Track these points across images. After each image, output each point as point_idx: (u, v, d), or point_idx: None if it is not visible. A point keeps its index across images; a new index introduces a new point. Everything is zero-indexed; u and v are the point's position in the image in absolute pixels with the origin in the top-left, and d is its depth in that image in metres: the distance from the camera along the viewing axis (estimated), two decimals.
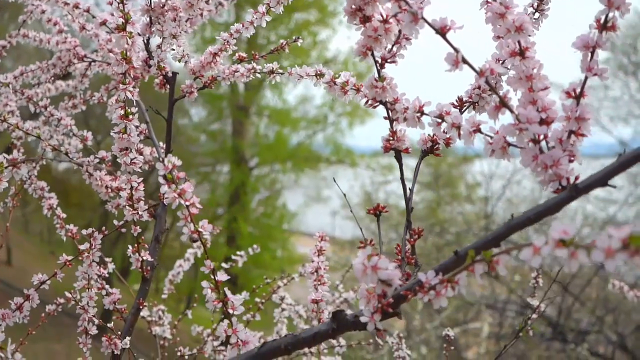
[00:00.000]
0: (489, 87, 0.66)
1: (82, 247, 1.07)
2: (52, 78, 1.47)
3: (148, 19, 1.14)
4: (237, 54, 1.21)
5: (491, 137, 0.70)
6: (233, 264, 1.71)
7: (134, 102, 1.00)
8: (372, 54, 0.77)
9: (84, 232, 1.08)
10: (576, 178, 0.64)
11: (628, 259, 0.44)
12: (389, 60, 0.78)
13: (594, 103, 9.01)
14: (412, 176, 0.86)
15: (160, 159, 0.74)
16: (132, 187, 1.04)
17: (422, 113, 0.78)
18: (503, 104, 0.67)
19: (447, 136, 0.80)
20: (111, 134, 0.99)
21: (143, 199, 1.06)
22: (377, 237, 0.83)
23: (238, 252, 1.76)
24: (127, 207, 1.05)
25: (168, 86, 1.22)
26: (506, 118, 0.72)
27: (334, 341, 1.53)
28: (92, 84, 1.56)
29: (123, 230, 1.13)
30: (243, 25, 1.16)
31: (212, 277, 0.79)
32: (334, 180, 0.92)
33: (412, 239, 0.78)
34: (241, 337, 0.78)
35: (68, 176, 10.57)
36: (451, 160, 10.12)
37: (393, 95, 0.78)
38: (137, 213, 1.05)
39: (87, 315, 1.10)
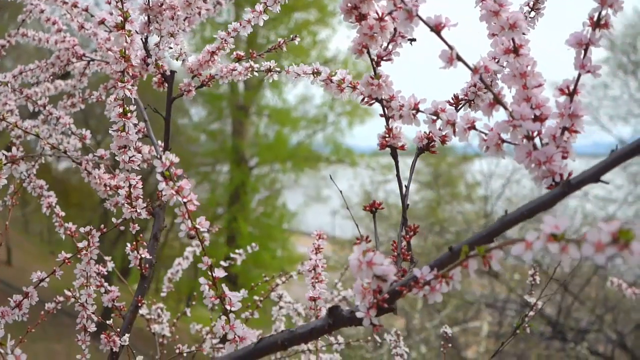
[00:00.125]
0: (483, 84, 0.66)
1: (80, 244, 1.08)
2: (51, 77, 1.48)
3: (146, 17, 1.15)
4: (234, 53, 1.21)
5: (486, 134, 0.71)
6: (232, 262, 1.72)
7: (133, 100, 1.01)
8: (368, 52, 0.77)
9: (82, 229, 1.09)
10: (569, 174, 0.65)
11: (617, 252, 0.45)
12: (384, 58, 0.78)
13: (594, 102, 9.02)
14: (411, 175, 0.87)
15: (158, 157, 0.75)
16: (130, 185, 1.05)
17: (418, 110, 0.79)
18: (497, 100, 0.68)
19: (443, 133, 0.81)
20: (110, 131, 1.00)
21: (142, 196, 1.07)
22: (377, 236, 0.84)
23: (237, 250, 1.77)
24: (125, 204, 1.06)
25: (166, 85, 1.22)
26: (501, 115, 0.72)
27: (332, 338, 1.53)
28: (92, 84, 1.56)
29: (122, 228, 1.14)
30: (240, 24, 1.17)
31: (210, 273, 0.80)
32: (330, 177, 0.92)
33: (407, 236, 0.79)
34: (238, 333, 0.79)
35: (68, 176, 10.58)
36: (451, 160, 10.13)
37: (389, 92, 0.79)
38: (136, 211, 1.06)
39: (86, 313, 1.11)
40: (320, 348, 1.48)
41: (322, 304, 1.14)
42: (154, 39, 1.19)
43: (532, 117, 0.66)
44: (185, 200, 0.75)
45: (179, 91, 1.23)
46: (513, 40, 0.69)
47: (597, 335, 6.28)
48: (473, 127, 0.72)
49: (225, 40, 1.19)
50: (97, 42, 1.35)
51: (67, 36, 1.43)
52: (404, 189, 0.82)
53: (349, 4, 0.73)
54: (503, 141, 0.69)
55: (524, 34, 0.70)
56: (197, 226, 0.77)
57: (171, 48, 1.19)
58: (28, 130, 1.26)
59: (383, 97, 0.80)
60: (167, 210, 1.24)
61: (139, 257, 1.13)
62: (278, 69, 1.18)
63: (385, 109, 0.81)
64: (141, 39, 1.16)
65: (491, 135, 0.69)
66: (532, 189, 8.15)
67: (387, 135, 0.81)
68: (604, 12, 0.66)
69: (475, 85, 0.85)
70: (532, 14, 0.92)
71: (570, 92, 0.67)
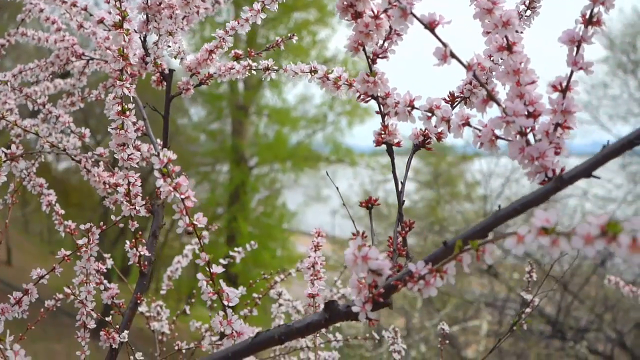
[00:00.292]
0: (477, 81, 0.67)
1: (80, 241, 1.08)
2: (51, 76, 1.49)
3: (145, 16, 1.16)
4: (233, 51, 1.22)
5: (480, 130, 0.71)
6: (231, 259, 1.72)
7: (131, 98, 1.02)
8: (364, 50, 0.78)
9: (82, 227, 1.10)
10: (562, 170, 0.66)
11: (606, 245, 0.46)
12: (380, 56, 0.79)
13: (593, 101, 9.03)
14: (407, 172, 0.87)
15: (156, 154, 0.75)
16: (129, 183, 1.06)
17: (413, 107, 0.79)
18: (490, 97, 0.69)
19: (438, 130, 0.81)
20: (109, 129, 1.00)
21: (141, 195, 1.08)
22: (376, 235, 0.85)
23: (236, 249, 1.78)
24: (124, 202, 1.07)
25: (165, 83, 1.23)
26: (496, 112, 0.73)
27: (330, 335, 1.54)
28: (91, 83, 1.57)
29: (121, 225, 1.15)
30: (238, 23, 1.18)
31: (208, 269, 0.81)
32: (327, 174, 0.93)
33: (403, 231, 0.80)
34: (236, 328, 0.80)
35: (68, 176, 10.59)
36: (450, 159, 10.14)
37: (384, 89, 0.79)
38: (135, 208, 1.06)
39: (85, 310, 1.11)
40: (318, 345, 1.49)
41: (321, 301, 1.15)
42: (152, 38, 1.20)
43: (525, 113, 0.67)
44: (183, 196, 0.76)
45: (178, 89, 1.24)
46: (506, 37, 0.69)
47: (596, 334, 6.29)
48: (467, 124, 0.73)
49: (223, 38, 1.20)
50: (96, 41, 1.36)
51: (66, 35, 1.44)
52: (399, 185, 0.83)
53: (345, 2, 0.74)
54: (497, 137, 0.70)
55: (517, 31, 0.71)
56: (195, 222, 0.78)
57: (170, 47, 1.19)
58: (28, 129, 1.27)
59: (379, 95, 0.81)
60: (166, 210, 1.25)
61: (138, 254, 1.14)
62: (276, 68, 1.19)
63: (381, 106, 0.81)
64: (140, 37, 1.17)
65: (485, 132, 0.70)
66: (532, 188, 8.15)
67: (383, 132, 0.82)
68: (596, 10, 0.66)
69: (470, 83, 0.86)
70: (528, 12, 0.93)
71: (562, 88, 0.68)
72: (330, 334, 1.56)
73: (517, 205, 0.64)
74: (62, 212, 1.23)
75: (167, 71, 1.23)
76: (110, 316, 1.16)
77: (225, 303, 0.80)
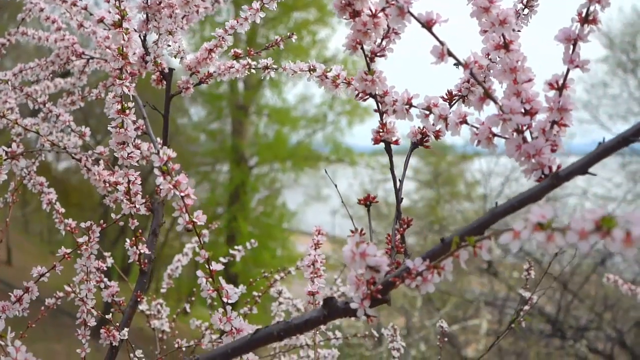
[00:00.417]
0: (474, 79, 0.68)
1: (80, 240, 1.09)
2: (51, 75, 1.49)
3: (144, 16, 1.16)
4: (232, 50, 1.23)
5: (477, 128, 0.72)
6: (231, 258, 1.73)
7: (131, 97, 1.03)
8: (362, 48, 0.78)
9: (82, 225, 1.10)
10: (558, 167, 0.66)
11: (600, 239, 0.46)
12: (378, 54, 0.80)
13: (593, 101, 9.03)
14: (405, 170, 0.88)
15: (156, 152, 0.76)
16: (129, 181, 1.06)
17: (411, 105, 0.80)
18: (487, 95, 0.69)
19: (436, 128, 0.82)
20: (109, 128, 1.01)
21: (141, 193, 1.08)
22: (376, 234, 0.85)
23: (236, 247, 1.78)
24: (124, 200, 1.07)
25: (165, 82, 1.23)
26: (493, 110, 0.74)
27: (330, 334, 1.55)
28: (92, 83, 1.58)
29: (121, 224, 1.15)
30: (238, 22, 1.18)
31: (207, 266, 0.81)
32: (325, 171, 0.94)
33: (401, 229, 0.80)
34: (235, 325, 0.80)
35: (68, 176, 10.60)
36: (450, 159, 10.16)
37: (382, 88, 0.80)
38: (135, 206, 1.07)
39: (85, 307, 1.12)
40: (318, 343, 1.50)
41: (321, 299, 1.15)
42: (152, 37, 1.21)
43: (522, 111, 0.68)
44: (182, 194, 0.77)
45: (178, 88, 1.24)
46: (503, 36, 0.70)
47: (596, 333, 6.30)
48: (465, 122, 0.73)
49: (222, 37, 1.20)
50: (96, 40, 1.36)
51: (66, 34, 1.45)
52: (398, 183, 0.83)
53: (343, 1, 0.74)
54: (494, 135, 0.71)
55: (514, 29, 0.71)
56: (195, 220, 0.78)
57: (169, 46, 1.20)
58: (28, 128, 1.27)
59: (377, 93, 0.81)
60: (166, 209, 1.25)
61: (138, 252, 1.14)
62: (275, 67, 1.19)
63: (379, 104, 0.82)
64: (140, 36, 1.18)
65: (482, 129, 0.70)
66: (531, 186, 8.16)
67: (381, 130, 0.83)
68: (592, 8, 0.67)
69: (468, 81, 0.86)
70: (526, 11, 0.93)
71: (559, 86, 0.68)
72: (330, 332, 1.57)
73: (514, 202, 0.64)
74: (63, 210, 1.24)
75: (166, 70, 1.23)
76: (111, 314, 1.17)
77: (225, 300, 0.81)
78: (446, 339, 1.39)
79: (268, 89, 10.89)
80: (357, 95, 0.82)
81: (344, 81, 0.94)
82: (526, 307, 1.33)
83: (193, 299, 1.85)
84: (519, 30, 0.84)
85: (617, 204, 8.06)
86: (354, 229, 0.77)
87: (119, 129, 1.01)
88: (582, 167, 0.62)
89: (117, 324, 1.14)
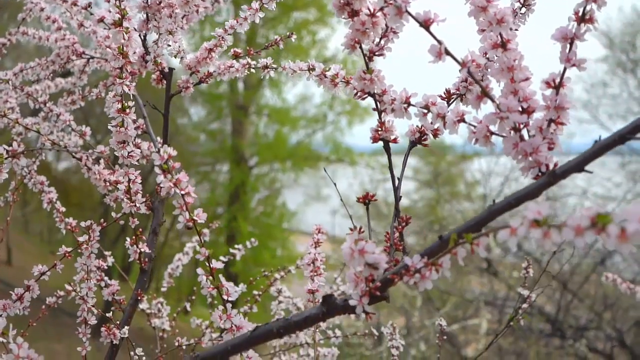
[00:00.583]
0: (472, 77, 0.68)
1: (81, 238, 1.10)
2: (52, 75, 1.50)
3: (145, 15, 1.17)
4: (232, 50, 1.23)
5: (475, 127, 0.72)
6: (231, 257, 1.73)
7: (131, 96, 1.03)
8: (361, 47, 0.79)
9: (82, 224, 1.11)
10: (555, 164, 0.67)
11: (596, 235, 0.47)
12: (377, 53, 0.80)
13: (593, 100, 9.04)
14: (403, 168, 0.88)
15: (157, 150, 0.77)
16: (129, 180, 1.07)
17: (409, 104, 0.81)
18: (484, 93, 0.70)
19: (434, 127, 0.82)
20: (109, 127, 1.02)
21: (141, 192, 1.09)
22: (376, 233, 0.86)
23: (236, 246, 1.79)
24: (125, 199, 1.08)
25: (165, 81, 1.24)
26: (491, 109, 0.74)
27: (330, 332, 1.55)
28: (92, 83, 1.58)
29: (122, 222, 1.16)
30: (237, 21, 1.19)
31: (207, 264, 0.82)
32: (325, 170, 0.94)
33: (400, 226, 0.81)
34: (235, 322, 0.81)
35: (68, 176, 10.61)
36: (450, 159, 10.16)
37: (381, 86, 0.81)
38: (135, 205, 1.07)
39: (86, 306, 1.13)
40: (318, 342, 1.50)
41: (320, 297, 1.15)
42: (152, 37, 1.21)
43: (519, 109, 0.68)
44: (183, 192, 0.77)
45: (178, 88, 1.25)
46: (501, 35, 0.71)
47: (596, 333, 6.31)
48: (462, 120, 0.74)
49: (222, 37, 1.21)
50: (97, 39, 1.37)
51: (66, 34, 1.45)
52: (396, 181, 0.84)
53: (342, 1, 0.75)
54: (491, 133, 0.71)
55: (511, 29, 0.72)
56: (195, 218, 0.79)
57: (169, 45, 1.21)
58: (29, 127, 1.28)
59: (376, 92, 0.82)
60: (166, 209, 1.26)
61: (138, 251, 1.15)
62: (275, 66, 1.20)
63: (378, 103, 0.83)
64: (140, 36, 1.18)
65: (480, 127, 0.71)
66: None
67: (379, 129, 0.83)
68: (588, 7, 0.67)
69: (466, 80, 0.87)
70: (523, 9, 0.94)
71: (556, 85, 0.69)
72: (330, 330, 1.57)
73: (511, 200, 0.65)
74: (63, 209, 1.24)
75: (167, 70, 1.24)
76: (111, 312, 1.18)
77: (225, 298, 0.81)
78: (445, 337, 1.39)
79: (268, 89, 10.90)
80: (356, 94, 0.83)
81: (343, 80, 0.95)
82: (525, 305, 1.34)
83: (194, 297, 1.86)
84: (516, 29, 0.85)
85: (617, 203, 8.06)
86: (352, 227, 0.78)
87: (119, 127, 1.01)
88: (579, 165, 0.62)
89: (118, 323, 1.15)
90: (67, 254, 1.11)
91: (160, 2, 1.15)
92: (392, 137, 0.84)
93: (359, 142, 11.32)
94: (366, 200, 0.85)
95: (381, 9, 0.73)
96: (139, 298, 1.19)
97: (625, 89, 8.96)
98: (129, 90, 1.00)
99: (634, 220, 0.44)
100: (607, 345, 6.21)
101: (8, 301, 1.06)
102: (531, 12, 0.95)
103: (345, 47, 0.78)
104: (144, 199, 1.09)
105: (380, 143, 0.87)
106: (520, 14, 0.93)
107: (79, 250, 1.11)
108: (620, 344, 6.03)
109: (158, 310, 1.68)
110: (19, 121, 1.27)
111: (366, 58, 0.80)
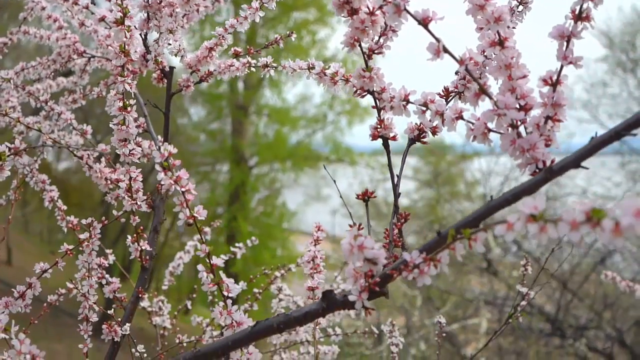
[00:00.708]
0: (470, 75, 0.69)
1: (82, 236, 1.10)
2: (53, 74, 1.51)
3: (145, 14, 1.18)
4: (232, 49, 1.24)
5: (473, 124, 0.73)
6: (232, 255, 1.74)
7: (132, 94, 1.04)
8: (360, 46, 0.80)
9: (83, 221, 1.12)
10: (552, 161, 0.67)
11: (590, 230, 0.47)
12: (376, 51, 0.81)
13: (593, 100, 9.04)
14: (402, 165, 0.89)
15: (157, 148, 0.77)
16: (130, 178, 1.08)
17: (408, 101, 0.81)
18: (482, 90, 0.70)
19: (433, 124, 0.83)
20: (110, 125, 1.02)
21: (142, 190, 1.10)
22: (375, 233, 0.86)
23: (237, 244, 1.80)
24: (126, 197, 1.09)
25: (165, 80, 1.25)
26: (488, 105, 0.75)
27: (330, 330, 1.56)
28: (93, 82, 1.59)
29: (122, 220, 1.17)
30: (237, 20, 1.19)
31: (208, 260, 0.82)
32: (325, 168, 0.95)
33: (399, 223, 0.82)
34: (236, 318, 0.82)
35: (68, 176, 10.62)
36: (450, 158, 10.16)
37: (380, 84, 0.81)
38: (136, 203, 1.08)
39: (87, 303, 1.13)
40: (318, 339, 1.51)
41: (320, 294, 1.16)
42: (153, 36, 1.22)
43: (517, 106, 0.69)
44: (183, 189, 0.78)
45: (178, 87, 1.26)
46: (498, 33, 0.71)
47: (596, 332, 6.31)
48: (461, 117, 0.74)
49: (222, 36, 1.21)
50: (98, 38, 1.37)
51: (67, 33, 1.46)
52: (395, 178, 0.84)
53: None
54: (489, 130, 0.72)
55: (509, 27, 0.72)
56: (195, 215, 0.79)
57: (170, 44, 1.21)
58: (30, 126, 1.29)
59: (375, 89, 0.83)
60: (167, 209, 1.27)
61: (139, 248, 1.15)
62: (275, 65, 1.21)
63: (377, 100, 0.83)
64: (141, 35, 1.19)
65: (478, 125, 0.72)
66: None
67: (379, 127, 0.84)
68: (585, 6, 0.68)
69: (464, 78, 0.87)
70: (520, 8, 0.94)
71: (553, 82, 0.69)
72: (330, 328, 1.58)
73: (508, 196, 0.66)
74: (65, 207, 1.25)
75: (167, 69, 1.24)
76: (112, 310, 1.18)
77: (225, 294, 0.82)
78: (444, 334, 1.40)
79: (268, 88, 10.91)
80: (356, 91, 0.84)
81: (342, 78, 0.96)
82: (523, 303, 1.34)
83: (194, 295, 1.86)
84: (513, 27, 0.86)
85: (616, 203, 8.06)
86: (352, 224, 0.78)
87: (120, 125, 1.02)
88: (575, 161, 0.63)
89: (119, 320, 1.16)
90: (68, 252, 1.12)
91: (160, 1, 1.16)
92: (391, 135, 0.85)
93: (359, 142, 11.34)
94: (365, 197, 0.85)
95: (380, 7, 0.74)
96: (140, 295, 1.20)
97: (625, 89, 8.97)
98: (131, 88, 1.01)
99: (628, 214, 0.45)
100: (607, 344, 6.22)
101: (10, 299, 1.07)
102: (528, 10, 0.96)
103: (345, 45, 0.78)
104: (145, 197, 1.09)
105: (380, 142, 0.88)
106: (518, 12, 0.94)
107: (80, 248, 1.12)
108: (620, 344, 6.04)
109: (159, 309, 1.69)
110: (21, 120, 1.28)
111: (365, 56, 0.81)
